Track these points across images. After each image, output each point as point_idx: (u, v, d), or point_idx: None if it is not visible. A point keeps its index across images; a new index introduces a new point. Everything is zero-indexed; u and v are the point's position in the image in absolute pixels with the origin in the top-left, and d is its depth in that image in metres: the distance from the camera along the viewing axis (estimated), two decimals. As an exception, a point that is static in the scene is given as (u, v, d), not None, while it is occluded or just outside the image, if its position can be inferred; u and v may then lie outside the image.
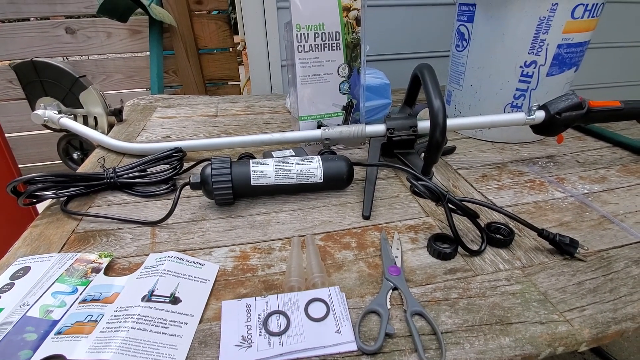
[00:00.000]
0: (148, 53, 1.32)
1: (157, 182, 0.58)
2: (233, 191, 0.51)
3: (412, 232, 0.49)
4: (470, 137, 0.78)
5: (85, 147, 0.85)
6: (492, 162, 0.68)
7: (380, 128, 0.62)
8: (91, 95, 0.82)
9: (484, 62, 0.70)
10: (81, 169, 0.64)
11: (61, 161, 0.86)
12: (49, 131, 0.83)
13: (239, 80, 1.46)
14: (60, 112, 0.82)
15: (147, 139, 0.77)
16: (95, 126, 0.84)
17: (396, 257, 0.44)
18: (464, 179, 0.62)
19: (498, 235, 0.47)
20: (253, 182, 0.52)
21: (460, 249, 0.45)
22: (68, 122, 0.77)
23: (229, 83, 1.49)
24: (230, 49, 1.42)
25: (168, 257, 0.42)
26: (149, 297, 0.37)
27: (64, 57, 1.42)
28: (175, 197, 0.49)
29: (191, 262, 0.43)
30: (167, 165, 0.60)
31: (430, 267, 0.43)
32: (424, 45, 1.20)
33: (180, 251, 0.45)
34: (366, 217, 0.52)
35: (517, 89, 0.68)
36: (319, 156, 0.54)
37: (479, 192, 0.58)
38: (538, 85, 0.68)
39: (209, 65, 1.40)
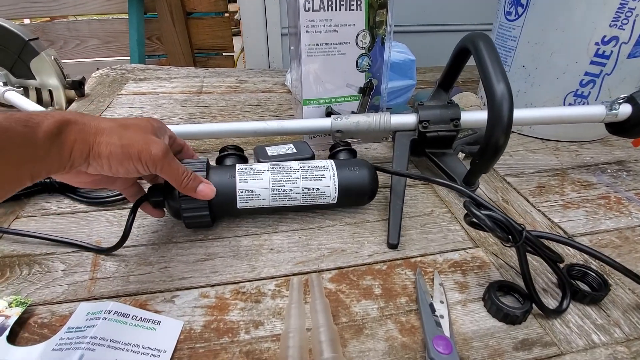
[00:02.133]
0: (127, 15, 1.14)
1: (112, 184, 0.44)
2: (211, 213, 0.37)
3: (458, 272, 0.35)
4: (513, 132, 0.63)
5: (38, 127, 0.69)
6: (548, 167, 0.53)
7: (410, 119, 0.47)
8: (44, 62, 0.65)
9: (545, 36, 0.54)
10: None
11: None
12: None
13: (234, 51, 1.28)
14: (6, 83, 0.65)
15: (111, 120, 0.61)
16: (51, 102, 0.68)
17: (441, 316, 0.30)
18: (516, 191, 0.48)
19: (584, 286, 0.33)
20: (240, 205, 0.37)
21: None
22: (13, 97, 0.61)
23: (223, 54, 1.31)
24: (225, 14, 1.23)
25: (105, 312, 0.28)
26: (62, 391, 0.23)
27: (30, 19, 1.23)
28: (128, 221, 0.35)
29: (140, 318, 0.29)
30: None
31: (493, 336, 0.29)
32: (455, 16, 1.01)
33: (130, 295, 0.32)
34: (393, 247, 0.38)
35: (587, 73, 0.53)
36: (331, 163, 0.39)
37: (539, 210, 0.44)
38: (614, 69, 0.52)
39: (199, 31, 1.21)
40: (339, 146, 0.44)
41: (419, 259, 0.37)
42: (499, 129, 0.37)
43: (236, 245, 0.37)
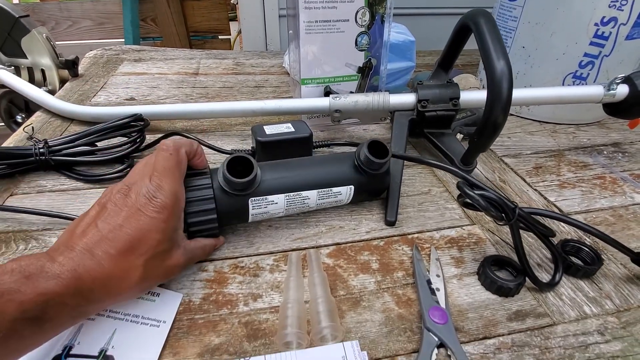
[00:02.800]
0: (121, -5, 1.11)
1: (108, 161, 0.43)
2: (219, 225, 0.33)
3: (454, 247, 0.36)
4: (511, 114, 0.63)
5: (32, 107, 0.68)
6: (546, 148, 0.53)
7: (409, 99, 0.47)
8: (35, 41, 0.64)
9: (546, 16, 0.53)
10: (11, 140, 0.48)
11: (4, 124, 0.70)
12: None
13: (230, 35, 1.26)
14: (-5, 61, 0.64)
15: (106, 100, 0.61)
16: (44, 82, 0.67)
17: (437, 289, 0.31)
18: (513, 171, 0.48)
19: (577, 261, 0.33)
20: (252, 219, 0.34)
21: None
22: (4, 76, 0.60)
23: (219, 37, 1.29)
24: (221, -4, 1.21)
25: (104, 283, 0.28)
26: (62, 358, 0.24)
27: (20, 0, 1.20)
28: None
29: (140, 291, 0.29)
30: (124, 139, 0.45)
31: (488, 308, 0.30)
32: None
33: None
34: (391, 223, 0.38)
35: (586, 54, 0.53)
36: (350, 191, 0.37)
37: (535, 190, 0.44)
38: (613, 50, 0.52)
39: (194, 13, 1.19)
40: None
41: (416, 235, 0.37)
42: (498, 106, 0.37)
43: (234, 222, 0.37)
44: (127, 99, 0.61)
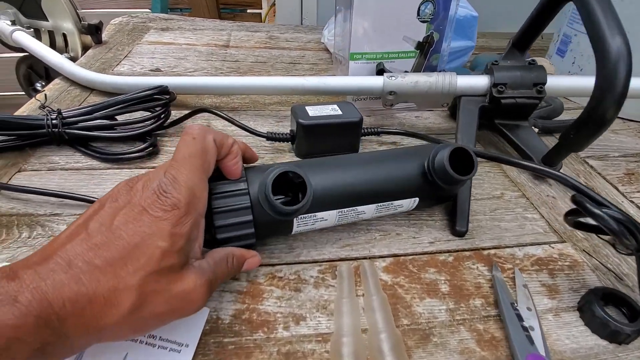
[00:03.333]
0: (149, -39, 1.05)
1: (129, 138, 0.38)
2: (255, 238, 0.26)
3: (544, 271, 0.28)
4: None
5: (52, 75, 0.64)
6: (635, 151, 0.44)
7: (481, 82, 0.39)
8: (56, 2, 0.59)
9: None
10: (25, 109, 0.43)
11: (23, 92, 0.66)
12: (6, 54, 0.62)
13: (261, 8, 1.18)
14: (14, 22, 0.59)
15: (129, 70, 0.55)
16: (65, 47, 0.62)
17: (531, 327, 0.24)
18: (601, 176, 0.40)
19: None
20: (295, 232, 0.28)
21: None
22: (22, 38, 0.55)
23: (248, 11, 1.22)
24: (253, -34, 1.13)
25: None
26: (58, 392, 0.18)
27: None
28: None
29: (158, 302, 0.23)
30: (147, 113, 0.39)
31: (598, 358, 0.23)
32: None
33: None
34: (460, 234, 0.31)
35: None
36: (414, 203, 0.29)
37: (632, 201, 0.36)
38: None
39: (225, -16, 1.12)
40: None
41: (492, 251, 0.30)
42: (610, 97, 0.29)
43: (270, 220, 0.31)
44: (152, 70, 0.55)
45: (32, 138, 0.36)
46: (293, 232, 0.27)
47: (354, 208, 0.27)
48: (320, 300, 0.25)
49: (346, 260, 0.28)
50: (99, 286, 0.17)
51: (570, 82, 0.38)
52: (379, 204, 0.28)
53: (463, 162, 0.27)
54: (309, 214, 0.26)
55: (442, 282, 0.27)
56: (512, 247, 0.30)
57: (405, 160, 0.29)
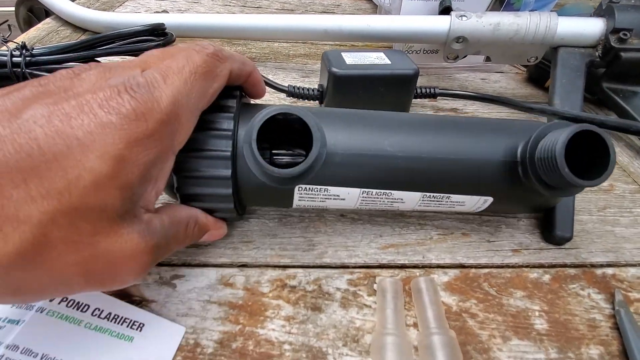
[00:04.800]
0: None
1: (113, 87, 0.30)
2: (240, 206, 0.19)
3: (697, 310, 0.18)
4: None
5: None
6: None
7: (592, 26, 0.27)
8: None
9: None
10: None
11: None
12: None
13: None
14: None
15: (133, 12, 0.47)
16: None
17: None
18: None
19: None
20: (297, 206, 0.19)
21: None
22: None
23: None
24: None
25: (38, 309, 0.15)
26: None
27: None
28: None
29: (107, 316, 0.16)
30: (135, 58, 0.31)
31: None
32: None
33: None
34: (562, 240, 0.21)
35: None
36: (486, 203, 0.19)
37: None
38: None
39: None
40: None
41: (608, 270, 0.20)
42: None
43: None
44: (158, 11, 0.46)
45: (-5, 79, 0.29)
46: (294, 206, 0.19)
47: (386, 192, 0.18)
48: (350, 329, 0.17)
49: (389, 268, 0.20)
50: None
51: None
52: (427, 194, 0.18)
53: (581, 154, 0.16)
54: (317, 186, 0.17)
55: (537, 313, 0.18)
56: (637, 265, 0.20)
57: (483, 136, 0.18)
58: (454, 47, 0.30)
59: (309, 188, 0.18)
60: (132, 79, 0.12)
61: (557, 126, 0.17)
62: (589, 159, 0.16)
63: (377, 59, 0.28)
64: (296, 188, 0.17)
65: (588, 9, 0.44)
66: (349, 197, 0.18)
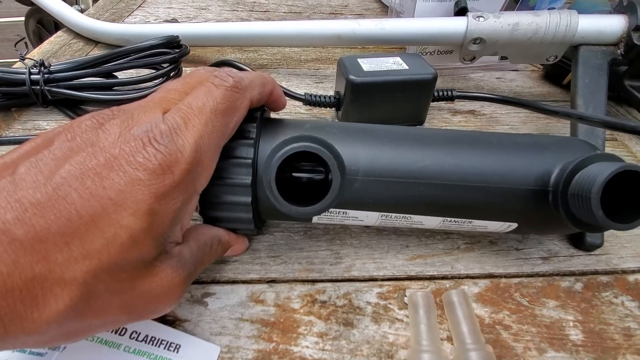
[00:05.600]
0: None
1: (128, 102, 0.30)
2: (258, 221, 0.19)
3: None
4: None
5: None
6: None
7: (614, 24, 0.27)
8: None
9: None
10: (20, 65, 0.36)
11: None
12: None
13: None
14: (19, -33, 0.52)
15: (142, 22, 0.47)
16: (76, 0, 0.55)
17: None
18: None
19: None
20: (317, 222, 0.20)
21: None
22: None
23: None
24: None
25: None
26: None
27: None
28: None
29: (145, 338, 0.16)
30: (152, 71, 0.31)
31: None
32: None
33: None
34: (591, 247, 0.21)
35: None
36: (510, 227, 0.18)
37: None
38: None
39: None
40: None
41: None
42: None
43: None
44: (167, 20, 0.46)
45: (15, 97, 0.29)
46: (314, 222, 0.19)
47: (406, 215, 0.18)
48: (384, 344, 0.17)
49: (418, 280, 0.20)
50: (15, 272, 0.10)
51: None
52: (449, 219, 0.18)
53: (617, 188, 0.15)
54: (336, 209, 0.18)
55: (571, 324, 0.18)
56: (674, 271, 0.20)
57: (513, 159, 0.17)
58: (471, 48, 0.29)
59: (328, 212, 0.18)
60: (155, 127, 0.13)
61: (599, 158, 0.16)
62: (625, 194, 0.15)
63: (394, 64, 0.28)
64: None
65: (604, 3, 0.43)
66: (368, 219, 0.18)
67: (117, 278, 0.12)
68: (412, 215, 0.18)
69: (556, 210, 0.16)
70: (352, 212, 0.18)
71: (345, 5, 0.54)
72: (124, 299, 0.12)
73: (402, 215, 0.18)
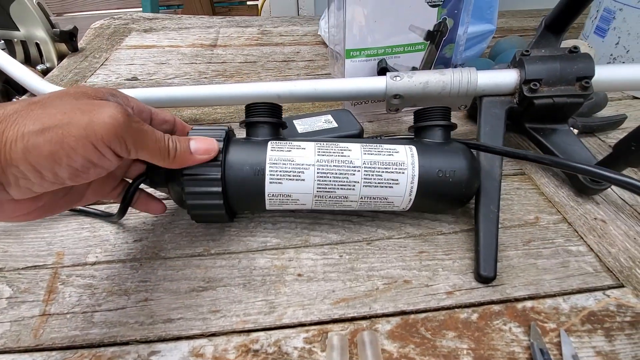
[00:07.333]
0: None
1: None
2: (228, 206, 0.26)
3: (598, 332, 0.22)
4: (637, 98, 0.45)
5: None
6: None
7: (508, 78, 0.31)
8: (25, 8, 0.54)
9: None
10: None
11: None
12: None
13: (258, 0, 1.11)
14: (-17, 34, 0.55)
15: (103, 81, 0.50)
16: (40, 58, 0.57)
17: None
18: (663, 188, 0.32)
19: None
20: (270, 207, 0.26)
21: None
22: (-9, 51, 0.51)
23: (247, 3, 1.15)
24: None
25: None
26: None
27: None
28: (128, 193, 0.24)
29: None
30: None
31: None
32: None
33: (91, 346, 0.21)
34: (486, 280, 0.24)
35: None
36: (413, 158, 0.25)
37: None
38: None
39: (218, -25, 1.05)
40: (431, 116, 0.27)
41: (528, 303, 0.23)
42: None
43: (248, 267, 0.26)
44: (128, 79, 0.50)
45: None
46: (267, 207, 0.26)
47: (334, 144, 0.25)
48: (306, 385, 0.20)
49: (340, 322, 0.23)
50: (63, 118, 0.17)
51: (628, 73, 0.30)
52: (365, 144, 0.25)
53: None
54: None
55: (464, 352, 0.21)
56: (555, 296, 0.24)
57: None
58: (392, 102, 0.33)
59: (279, 144, 0.26)
60: (80, 89, 0.21)
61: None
62: None
63: (325, 122, 0.32)
64: (269, 144, 0.25)
65: (522, 43, 0.48)
66: (307, 152, 0.25)
67: (94, 107, 0.18)
68: (338, 143, 0.25)
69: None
70: (295, 143, 0.25)
71: (297, 52, 0.58)
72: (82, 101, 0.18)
73: (330, 143, 0.25)
